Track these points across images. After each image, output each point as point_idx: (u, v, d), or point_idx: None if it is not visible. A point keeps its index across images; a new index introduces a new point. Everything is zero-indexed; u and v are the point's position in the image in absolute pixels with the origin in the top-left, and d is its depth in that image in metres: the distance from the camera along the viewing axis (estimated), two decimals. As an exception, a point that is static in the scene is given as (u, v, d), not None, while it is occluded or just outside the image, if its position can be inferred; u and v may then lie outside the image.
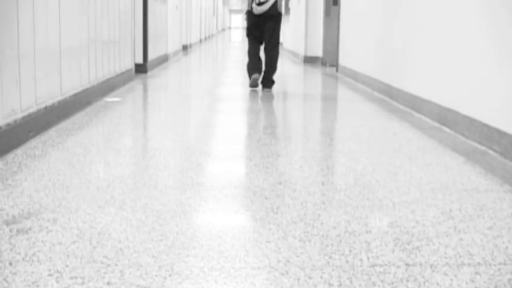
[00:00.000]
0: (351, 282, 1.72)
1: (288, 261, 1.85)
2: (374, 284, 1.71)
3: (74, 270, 1.75)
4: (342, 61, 8.76)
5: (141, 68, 8.13)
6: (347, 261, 1.86)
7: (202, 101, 5.93)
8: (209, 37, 26.58)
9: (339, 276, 1.75)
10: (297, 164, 3.19)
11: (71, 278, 1.69)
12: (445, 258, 1.90)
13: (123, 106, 5.25)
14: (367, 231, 2.13)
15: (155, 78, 7.78)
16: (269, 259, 1.86)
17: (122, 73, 6.59)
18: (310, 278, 1.74)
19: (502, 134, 3.40)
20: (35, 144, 3.46)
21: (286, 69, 9.80)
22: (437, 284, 1.72)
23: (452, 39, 4.27)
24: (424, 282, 1.72)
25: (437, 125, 4.43)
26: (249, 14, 6.65)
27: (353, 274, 1.77)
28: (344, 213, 2.34)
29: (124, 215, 2.25)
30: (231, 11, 74.09)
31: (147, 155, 3.42)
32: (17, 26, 3.36)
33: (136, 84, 7.03)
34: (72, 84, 4.52)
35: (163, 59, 10.29)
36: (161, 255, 1.87)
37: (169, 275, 1.73)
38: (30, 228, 2.08)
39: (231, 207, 2.40)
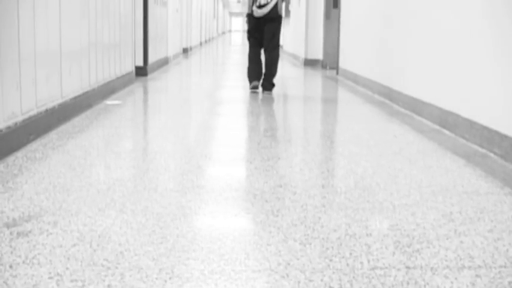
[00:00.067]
0: (351, 285, 1.72)
1: (289, 264, 1.85)
2: (374, 286, 1.71)
3: (75, 273, 1.75)
4: (342, 64, 8.76)
5: (141, 71, 8.14)
6: (347, 264, 1.86)
7: (202, 103, 5.93)
8: (209, 40, 26.61)
9: (340, 279, 1.75)
10: (297, 167, 3.19)
11: (72, 281, 1.69)
12: (446, 261, 1.90)
13: (124, 109, 5.26)
14: (367, 234, 2.13)
15: (155, 81, 7.79)
16: (269, 262, 1.86)
17: (122, 76, 6.60)
18: (310, 281, 1.74)
19: (503, 136, 3.40)
20: (35, 147, 3.46)
21: (286, 72, 9.80)
22: (438, 286, 1.72)
23: (452, 42, 4.28)
24: (425, 285, 1.72)
25: (437, 127, 4.43)
26: (250, 17, 6.67)
27: (353, 277, 1.77)
28: (344, 216, 2.33)
29: (124, 217, 2.25)
30: (231, 14, 74.15)
31: (147, 158, 3.42)
32: (17, 28, 3.36)
33: (137, 87, 7.04)
34: (72, 87, 4.52)
35: (164, 62, 10.29)
36: (161, 258, 1.87)
37: (170, 278, 1.73)
38: (30, 231, 2.08)
39: (231, 210, 2.40)
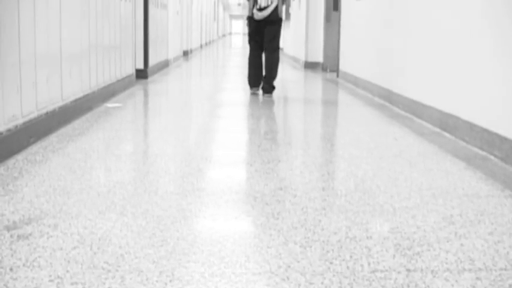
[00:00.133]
0: (351, 287, 1.72)
1: (289, 266, 1.85)
2: (375, 289, 1.71)
3: (75, 275, 1.75)
4: (343, 66, 8.77)
5: (141, 74, 8.14)
6: (348, 267, 1.86)
7: (202, 106, 5.94)
8: (210, 43, 26.62)
9: (340, 282, 1.75)
10: (297, 170, 3.19)
11: (72, 284, 1.69)
12: (446, 263, 1.90)
13: (124, 112, 5.26)
14: (367, 237, 2.13)
15: (156, 84, 7.79)
16: (270, 265, 1.86)
17: (123, 79, 6.60)
18: (311, 283, 1.74)
19: (503, 139, 3.40)
20: (35, 149, 3.46)
21: (286, 75, 9.81)
22: (438, 289, 1.72)
23: (453, 44, 4.28)
24: (425, 288, 1.72)
25: (437, 130, 4.43)
26: (250, 19, 6.69)
27: (354, 280, 1.77)
28: (345, 218, 2.33)
29: (125, 220, 2.25)
30: (231, 17, 74.23)
31: (147, 161, 3.42)
32: (17, 31, 3.37)
33: (137, 89, 7.04)
34: (73, 90, 4.53)
35: (164, 65, 10.30)
36: (162, 261, 1.87)
37: (170, 281, 1.73)
38: (30, 234, 2.08)
39: (231, 213, 2.40)
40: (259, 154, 3.52)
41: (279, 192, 2.68)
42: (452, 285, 1.74)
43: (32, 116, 3.62)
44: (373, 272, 1.83)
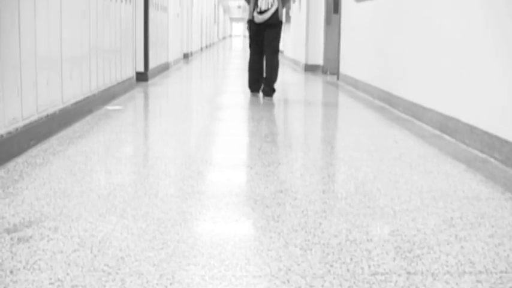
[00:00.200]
0: (352, 290, 1.72)
1: (289, 269, 1.85)
2: (375, 292, 1.71)
3: (75, 278, 1.75)
4: (343, 69, 8.77)
5: (142, 76, 8.15)
6: (348, 270, 1.86)
7: (203, 109, 5.94)
8: (210, 45, 26.64)
9: (340, 285, 1.75)
10: (297, 172, 3.19)
11: (72, 287, 1.69)
12: (447, 266, 1.90)
13: (124, 114, 5.26)
14: (368, 240, 2.13)
15: (156, 87, 7.80)
16: (270, 267, 1.86)
17: (123, 81, 6.61)
18: (311, 286, 1.74)
19: (503, 142, 3.41)
20: (36, 152, 3.47)
21: (287, 78, 9.81)
22: (439, 292, 1.71)
23: (453, 47, 4.28)
24: (426, 291, 1.72)
25: (438, 132, 4.43)
26: (251, 23, 6.71)
27: (354, 282, 1.77)
28: (345, 221, 2.33)
29: (125, 223, 2.25)
30: (231, 19, 74.28)
31: (148, 164, 3.42)
32: (18, 34, 3.37)
33: (137, 92, 7.04)
34: (73, 93, 4.53)
35: (164, 67, 10.30)
36: (162, 264, 1.87)
37: (171, 284, 1.73)
38: (31, 237, 2.08)
39: (232, 216, 2.40)
40: (259, 157, 3.52)
41: (279, 195, 2.68)
42: (453, 288, 1.74)
43: (33, 118, 3.62)
44: (374, 274, 1.83)
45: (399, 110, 5.53)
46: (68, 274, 1.77)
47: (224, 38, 51.31)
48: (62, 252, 1.95)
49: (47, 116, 3.90)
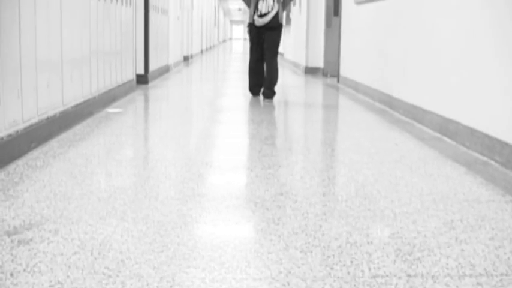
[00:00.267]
0: (352, 293, 1.72)
1: (290, 272, 1.85)
2: (375, 295, 1.71)
3: (75, 281, 1.75)
4: (343, 72, 8.77)
5: (142, 79, 8.15)
6: (348, 273, 1.86)
7: (203, 111, 5.94)
8: (210, 48, 26.66)
9: (340, 287, 1.75)
10: (298, 175, 3.19)
11: (72, 289, 1.69)
12: (447, 269, 1.90)
13: (125, 117, 5.26)
14: (368, 242, 2.13)
15: (156, 89, 7.80)
16: (270, 270, 1.86)
17: (124, 84, 6.61)
18: (311, 289, 1.74)
19: (503, 144, 3.41)
20: (36, 155, 3.47)
21: (287, 80, 9.82)
22: (439, 295, 1.71)
23: (453, 50, 4.28)
24: (426, 294, 1.72)
25: (438, 135, 4.43)
26: (251, 26, 6.74)
27: (354, 285, 1.77)
28: (345, 224, 2.33)
29: (125, 226, 2.25)
30: (232, 22, 74.35)
31: (148, 166, 3.42)
32: (18, 36, 3.37)
33: (138, 95, 7.05)
34: (73, 95, 4.53)
35: (165, 70, 10.31)
36: (162, 267, 1.87)
37: (171, 286, 1.73)
38: (31, 239, 2.08)
39: (232, 218, 2.40)
40: (259, 159, 3.52)
41: (279, 198, 2.68)
42: (453, 291, 1.74)
43: (33, 121, 3.63)
44: (374, 277, 1.83)
45: (399, 112, 5.53)
46: (68, 277, 1.77)
47: (224, 40, 51.35)
48: (62, 254, 1.95)
49: (48, 118, 3.90)
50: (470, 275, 1.85)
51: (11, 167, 3.14)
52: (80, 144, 3.85)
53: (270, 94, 6.60)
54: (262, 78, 6.76)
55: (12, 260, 1.89)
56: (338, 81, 9.16)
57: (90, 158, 3.49)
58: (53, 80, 4.01)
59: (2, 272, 1.79)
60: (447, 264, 1.94)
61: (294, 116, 5.87)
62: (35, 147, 3.62)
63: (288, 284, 1.76)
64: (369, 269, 1.88)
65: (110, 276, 1.79)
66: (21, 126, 3.42)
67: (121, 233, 2.16)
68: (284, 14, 6.99)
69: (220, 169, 3.32)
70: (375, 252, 2.03)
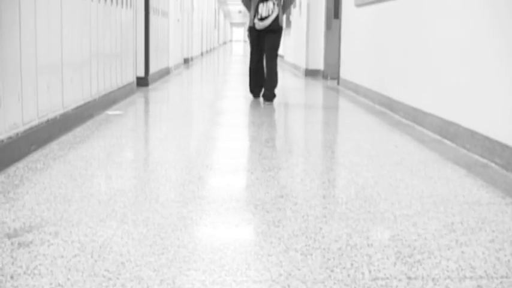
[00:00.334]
0: (352, 295, 1.72)
1: (290, 274, 1.85)
2: (376, 297, 1.70)
3: (76, 283, 1.75)
4: (343, 74, 8.78)
5: (142, 81, 8.16)
6: (348, 275, 1.86)
7: (203, 114, 5.94)
8: (211, 50, 26.67)
9: (341, 290, 1.75)
10: (298, 177, 3.19)
11: (72, 292, 1.69)
12: (447, 271, 1.90)
13: (125, 119, 5.26)
14: (368, 245, 2.13)
15: (157, 92, 7.80)
16: (271, 273, 1.86)
17: (124, 86, 6.61)
18: (311, 291, 1.73)
19: (504, 146, 3.41)
20: (36, 157, 3.47)
21: (287, 82, 9.82)
22: (439, 297, 1.71)
23: (453, 52, 4.29)
24: (426, 296, 1.72)
25: (438, 137, 4.43)
26: (251, 29, 6.75)
27: (355, 288, 1.77)
28: (345, 226, 2.33)
29: (125, 228, 2.25)
30: (232, 24, 74.41)
31: (148, 169, 3.42)
32: (19, 39, 3.38)
33: (138, 97, 7.05)
34: (74, 98, 4.53)
35: (165, 72, 10.31)
36: (162, 269, 1.87)
37: (171, 289, 1.73)
38: (31, 242, 2.08)
39: (232, 221, 2.40)
40: (259, 162, 3.52)
41: (279, 200, 2.68)
42: (454, 293, 1.74)
43: (33, 123, 3.63)
44: (374, 279, 1.82)
45: (400, 115, 5.53)
46: (68, 279, 1.77)
47: (225, 43, 51.37)
48: (62, 257, 1.95)
49: (48, 121, 3.90)
50: (471, 278, 1.85)
51: (11, 170, 3.14)
52: (80, 146, 3.86)
53: (270, 96, 6.60)
54: (262, 79, 6.78)
55: (13, 263, 1.89)
56: (338, 83, 9.17)
57: (91, 161, 3.49)
58: (53, 83, 4.01)
59: (2, 275, 1.79)
60: (447, 266, 1.94)
61: (294, 118, 5.87)
62: (35, 150, 3.63)
63: (288, 286, 1.76)
64: (369, 272, 1.88)
65: (110, 278, 1.79)
66: (21, 128, 3.42)
67: (121, 236, 2.16)
68: (284, 16, 6.99)
69: (221, 171, 3.32)
70: (375, 255, 2.03)
